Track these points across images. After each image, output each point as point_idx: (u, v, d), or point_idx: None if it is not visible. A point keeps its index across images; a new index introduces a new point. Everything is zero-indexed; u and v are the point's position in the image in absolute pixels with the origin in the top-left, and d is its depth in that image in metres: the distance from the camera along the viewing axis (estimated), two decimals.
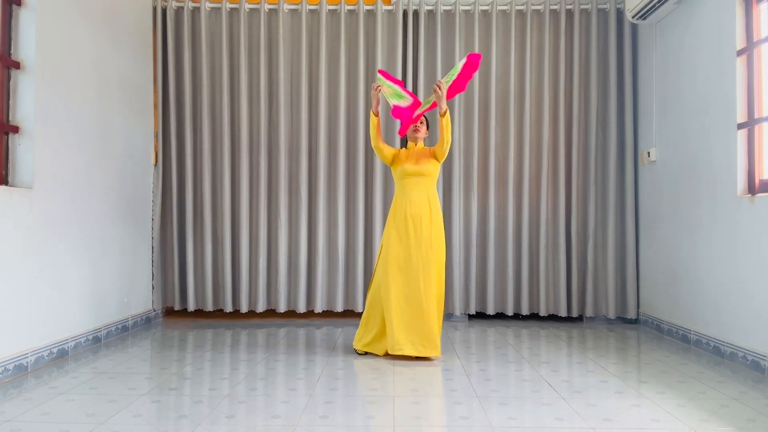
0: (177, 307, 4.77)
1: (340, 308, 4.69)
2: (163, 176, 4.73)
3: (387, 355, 3.47)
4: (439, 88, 3.35)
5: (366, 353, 3.55)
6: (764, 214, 3.13)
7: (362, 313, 4.76)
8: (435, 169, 3.55)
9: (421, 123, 3.63)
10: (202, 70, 4.70)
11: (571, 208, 4.72)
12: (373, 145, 3.60)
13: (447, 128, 3.42)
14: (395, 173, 3.60)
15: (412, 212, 3.46)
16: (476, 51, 4.70)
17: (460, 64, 3.39)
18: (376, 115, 3.53)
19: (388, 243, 3.48)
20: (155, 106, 4.70)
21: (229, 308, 4.69)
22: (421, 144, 3.65)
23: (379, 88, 3.47)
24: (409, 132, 3.63)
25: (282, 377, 3.04)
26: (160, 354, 3.58)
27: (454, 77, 3.40)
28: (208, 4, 4.73)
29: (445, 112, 3.38)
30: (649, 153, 4.44)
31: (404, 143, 3.83)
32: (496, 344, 3.86)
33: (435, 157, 3.54)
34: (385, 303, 3.42)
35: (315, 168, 4.71)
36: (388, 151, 3.62)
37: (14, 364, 3.01)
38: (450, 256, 4.70)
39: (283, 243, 4.69)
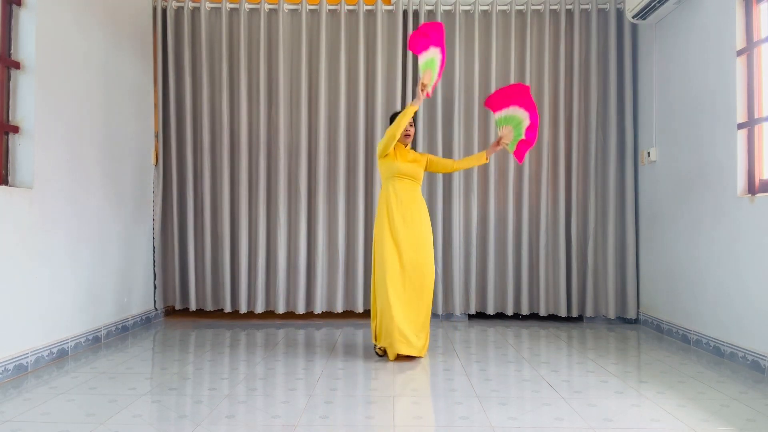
0: (178, 307, 4.78)
1: (339, 309, 4.69)
2: (163, 176, 4.73)
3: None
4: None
5: None
6: (764, 214, 3.12)
7: (362, 313, 4.78)
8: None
9: (411, 125, 3.54)
10: (202, 70, 4.70)
11: (571, 208, 4.72)
12: (394, 135, 3.35)
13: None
14: (391, 169, 3.47)
15: (406, 215, 3.45)
16: (476, 51, 4.70)
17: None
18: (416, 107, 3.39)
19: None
20: (155, 106, 4.70)
21: (228, 308, 4.69)
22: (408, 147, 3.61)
23: (426, 91, 3.35)
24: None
25: (282, 377, 3.04)
26: (160, 354, 3.58)
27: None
28: (208, 4, 4.73)
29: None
30: (649, 153, 4.44)
31: None
32: (496, 344, 3.86)
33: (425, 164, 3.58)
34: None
35: (314, 168, 4.71)
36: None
37: (14, 364, 3.01)
38: (450, 256, 4.71)
39: (282, 243, 4.68)
